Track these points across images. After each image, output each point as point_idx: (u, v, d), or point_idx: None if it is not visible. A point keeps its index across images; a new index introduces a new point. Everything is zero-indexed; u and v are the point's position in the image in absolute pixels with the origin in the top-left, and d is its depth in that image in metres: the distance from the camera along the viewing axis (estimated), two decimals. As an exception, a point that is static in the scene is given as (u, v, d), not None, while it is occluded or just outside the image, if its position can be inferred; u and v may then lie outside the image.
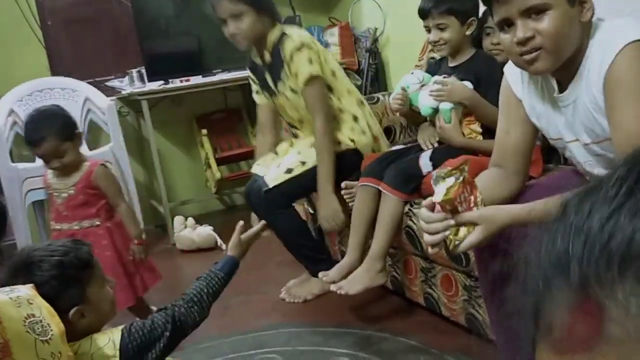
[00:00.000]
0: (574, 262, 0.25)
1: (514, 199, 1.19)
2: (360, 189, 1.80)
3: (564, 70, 1.07)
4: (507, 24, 1.04)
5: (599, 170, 1.15)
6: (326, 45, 3.30)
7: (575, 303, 0.24)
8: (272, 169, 2.02)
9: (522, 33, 1.01)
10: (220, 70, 3.10)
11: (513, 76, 1.19)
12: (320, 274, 1.82)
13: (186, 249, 2.70)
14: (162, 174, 2.93)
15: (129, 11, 3.13)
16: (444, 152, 1.70)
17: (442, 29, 1.75)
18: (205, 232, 2.68)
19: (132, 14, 3.06)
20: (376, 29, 3.11)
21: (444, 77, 1.78)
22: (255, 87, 2.23)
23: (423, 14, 1.80)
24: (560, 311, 0.25)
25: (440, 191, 1.04)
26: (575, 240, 0.25)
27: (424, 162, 1.69)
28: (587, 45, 1.03)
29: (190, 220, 2.75)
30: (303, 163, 2.00)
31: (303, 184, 2.00)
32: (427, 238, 1.09)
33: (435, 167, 1.66)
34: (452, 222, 1.05)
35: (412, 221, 1.65)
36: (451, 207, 1.04)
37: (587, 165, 1.16)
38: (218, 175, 3.04)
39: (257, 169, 2.09)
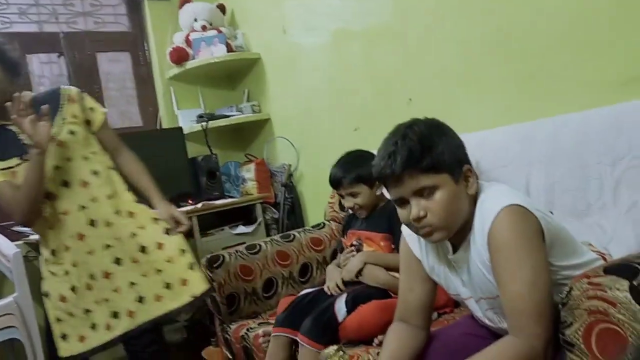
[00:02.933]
0: None
1: (421, 350, 1.24)
2: (274, 338, 1.79)
3: (456, 234, 1.17)
4: (402, 202, 1.15)
5: (494, 322, 1.23)
6: (243, 180, 3.39)
7: None
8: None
9: (416, 212, 1.12)
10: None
11: (411, 237, 1.28)
12: None
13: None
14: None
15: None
16: (357, 295, 1.74)
17: (354, 196, 1.92)
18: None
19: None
20: (290, 165, 3.25)
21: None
22: None
23: (334, 184, 1.96)
24: None
25: None
26: None
27: (339, 310, 1.71)
28: (474, 212, 1.15)
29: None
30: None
31: None
32: None
33: (350, 312, 1.70)
34: None
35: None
36: None
37: (484, 318, 1.24)
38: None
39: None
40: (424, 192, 1.12)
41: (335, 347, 1.17)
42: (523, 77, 1.96)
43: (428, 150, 1.11)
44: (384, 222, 1.89)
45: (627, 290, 0.92)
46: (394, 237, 1.85)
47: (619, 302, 0.92)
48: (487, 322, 1.24)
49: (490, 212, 1.09)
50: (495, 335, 1.23)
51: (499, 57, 2.04)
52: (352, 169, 1.92)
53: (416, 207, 1.12)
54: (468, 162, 1.18)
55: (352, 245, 1.99)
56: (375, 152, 1.92)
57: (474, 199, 1.16)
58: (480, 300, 1.20)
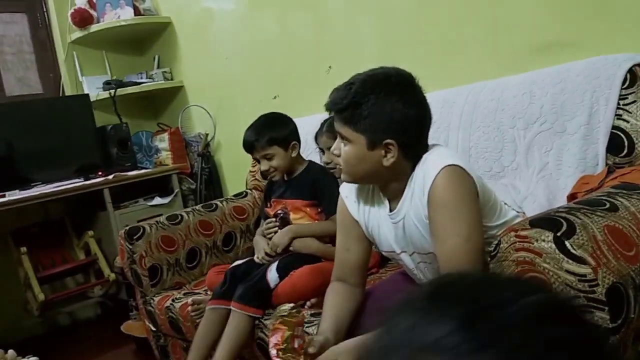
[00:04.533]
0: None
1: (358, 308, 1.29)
2: (210, 311, 1.77)
3: (390, 192, 1.22)
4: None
5: (425, 275, 1.29)
6: (156, 150, 3.28)
7: None
8: None
9: (334, 147, 1.23)
10: (40, 182, 2.90)
11: (348, 198, 1.32)
12: None
13: (7, 388, 2.35)
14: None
15: None
16: (289, 261, 1.76)
17: (269, 159, 1.88)
18: (29, 365, 2.38)
19: None
20: (207, 134, 3.18)
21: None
22: None
23: (248, 148, 1.92)
24: None
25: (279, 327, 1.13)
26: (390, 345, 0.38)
27: (272, 277, 1.72)
28: (413, 172, 1.19)
29: (11, 353, 2.41)
30: None
31: None
32: None
33: (282, 278, 1.71)
34: None
35: (264, 333, 1.66)
36: (290, 331, 1.11)
37: (415, 271, 1.30)
38: (42, 296, 2.75)
39: None
40: (341, 137, 1.20)
41: (290, 305, 1.19)
42: (441, 47, 2.03)
43: (353, 107, 1.15)
44: (308, 189, 1.90)
45: (551, 241, 1.00)
46: (320, 203, 1.88)
47: (544, 253, 1.00)
48: (418, 274, 1.30)
49: (432, 170, 1.14)
50: (425, 290, 1.29)
51: (417, 25, 2.10)
52: (265, 131, 1.89)
53: (336, 145, 1.22)
54: (397, 137, 1.15)
55: (275, 214, 1.98)
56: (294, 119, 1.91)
57: (402, 166, 1.19)
58: (413, 254, 1.26)
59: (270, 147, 1.87)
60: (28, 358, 2.47)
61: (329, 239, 1.83)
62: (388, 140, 1.15)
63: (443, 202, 1.12)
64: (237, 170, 2.98)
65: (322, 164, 2.00)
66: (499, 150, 1.70)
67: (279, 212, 1.96)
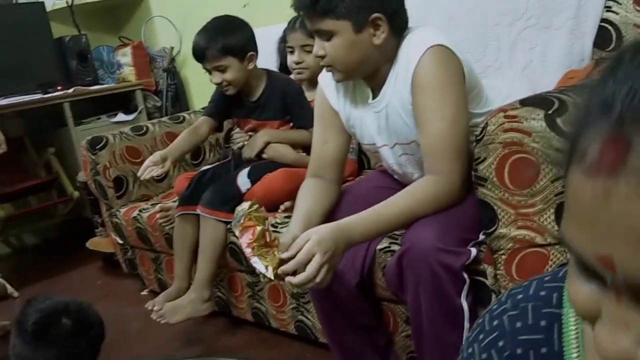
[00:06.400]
0: (616, 103, 0.30)
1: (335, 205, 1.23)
2: (179, 218, 1.70)
3: (375, 79, 1.14)
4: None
5: (406, 170, 1.24)
6: (119, 66, 3.11)
7: (609, 135, 0.29)
8: None
9: (315, 49, 1.13)
10: (-4, 95, 2.72)
11: (328, 88, 1.24)
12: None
13: (-31, 303, 2.29)
14: None
15: None
16: (261, 167, 1.69)
17: (222, 71, 1.66)
18: (-9, 281, 2.31)
19: None
20: (172, 48, 3.02)
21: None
22: None
23: (198, 56, 1.67)
24: (596, 141, 0.30)
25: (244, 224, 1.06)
26: (622, 86, 0.30)
27: (242, 181, 1.65)
28: (396, 54, 1.11)
29: (-29, 268, 2.35)
30: None
31: None
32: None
33: (253, 183, 1.64)
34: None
35: (236, 237, 1.60)
36: (261, 226, 1.05)
37: (395, 166, 1.24)
38: (2, 213, 2.65)
39: None
40: (322, 35, 1.10)
41: (248, 202, 1.12)
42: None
43: None
44: (278, 106, 1.75)
45: (542, 119, 0.95)
46: (292, 118, 1.78)
47: (534, 132, 0.95)
48: (397, 169, 1.24)
49: (416, 51, 1.07)
50: (404, 186, 1.24)
51: None
52: (218, 37, 1.63)
53: (317, 45, 1.12)
54: (381, 10, 1.08)
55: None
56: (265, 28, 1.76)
57: (390, 45, 1.11)
58: (395, 146, 1.20)
59: (224, 58, 1.64)
60: (-10, 274, 2.39)
61: (302, 149, 1.75)
62: (375, 15, 1.07)
63: (428, 83, 1.05)
64: (205, 87, 2.81)
65: (291, 65, 1.84)
66: (482, 49, 1.63)
67: (250, 134, 1.84)
